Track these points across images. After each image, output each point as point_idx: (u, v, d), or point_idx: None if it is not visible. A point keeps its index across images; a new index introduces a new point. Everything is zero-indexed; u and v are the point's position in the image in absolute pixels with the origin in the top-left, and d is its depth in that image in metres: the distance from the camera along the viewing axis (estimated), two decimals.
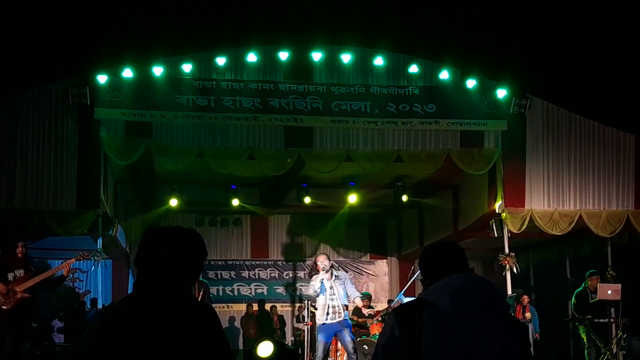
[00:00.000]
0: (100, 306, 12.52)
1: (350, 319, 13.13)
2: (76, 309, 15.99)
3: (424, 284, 3.19)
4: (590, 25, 15.77)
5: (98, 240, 12.17)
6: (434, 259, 3.21)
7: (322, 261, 10.45)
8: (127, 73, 11.97)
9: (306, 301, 10.53)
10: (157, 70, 12.06)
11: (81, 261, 10.28)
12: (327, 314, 10.26)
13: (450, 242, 3.31)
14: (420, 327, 2.85)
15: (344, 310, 10.40)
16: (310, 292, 10.72)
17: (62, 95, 11.86)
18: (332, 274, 10.43)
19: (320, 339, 10.29)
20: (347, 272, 11.22)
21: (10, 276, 9.32)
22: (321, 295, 10.36)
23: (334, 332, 10.42)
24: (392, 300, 17.64)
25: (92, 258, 10.36)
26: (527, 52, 15.13)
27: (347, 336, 10.36)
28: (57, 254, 15.58)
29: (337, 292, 10.31)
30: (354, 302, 10.88)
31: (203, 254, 3.02)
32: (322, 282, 10.34)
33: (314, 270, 10.78)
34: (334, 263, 11.09)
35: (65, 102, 11.83)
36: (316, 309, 10.42)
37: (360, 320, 14.66)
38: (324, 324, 10.31)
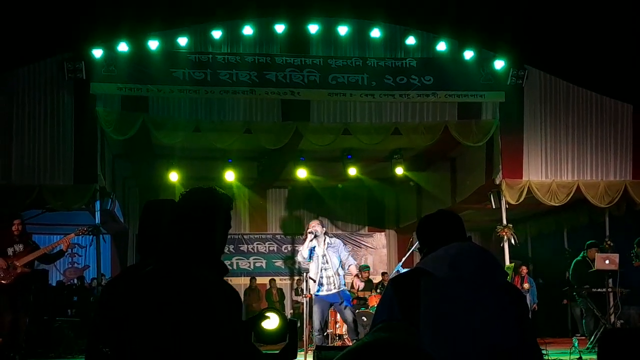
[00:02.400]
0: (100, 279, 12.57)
1: (349, 291, 13.06)
2: (76, 284, 16.06)
3: (421, 253, 3.19)
4: None
5: (96, 215, 12.18)
6: (432, 228, 3.20)
7: (314, 226, 9.97)
8: (123, 47, 11.90)
9: (305, 274, 10.13)
10: (153, 44, 11.98)
11: (80, 236, 10.27)
12: (321, 284, 9.82)
13: (448, 211, 3.31)
14: (418, 296, 2.85)
15: (339, 278, 9.90)
16: (299, 258, 10.30)
17: (58, 70, 11.82)
18: (325, 241, 9.96)
19: (316, 310, 9.89)
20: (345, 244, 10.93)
21: (9, 251, 9.32)
22: (313, 264, 9.94)
23: (329, 305, 10.06)
24: (386, 273, 17.77)
25: (90, 233, 10.34)
26: (524, 22, 15.03)
27: (347, 309, 9.99)
28: (55, 229, 15.62)
29: (331, 260, 9.82)
30: (348, 269, 10.18)
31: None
32: (311, 250, 9.88)
33: (306, 236, 10.20)
34: (327, 231, 10.64)
35: (61, 76, 11.78)
36: (314, 280, 10.05)
37: (360, 293, 14.70)
38: (317, 295, 9.87)
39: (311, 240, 9.91)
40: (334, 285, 9.86)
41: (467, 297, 2.84)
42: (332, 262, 9.85)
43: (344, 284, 10.17)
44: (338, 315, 11.28)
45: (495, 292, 2.92)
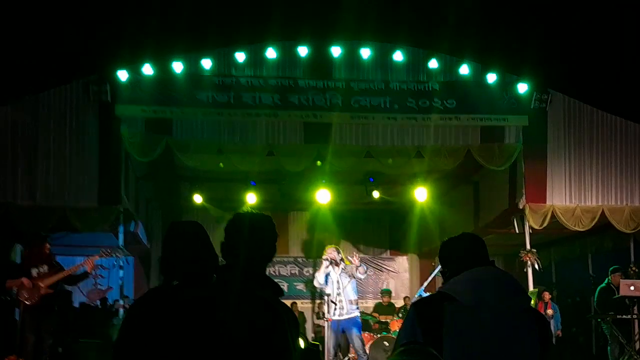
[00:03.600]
0: (121, 303, 12.59)
1: (371, 315, 13.09)
2: (98, 306, 16.10)
3: (444, 276, 3.16)
4: (611, 19, 15.61)
5: (119, 237, 12.24)
6: (455, 250, 3.18)
7: (330, 252, 10.44)
8: (147, 69, 12.01)
9: (326, 297, 10.45)
10: (177, 67, 12.09)
11: (103, 258, 10.33)
12: (335, 309, 10.22)
13: (471, 234, 3.28)
14: (441, 321, 2.82)
15: (351, 305, 10.30)
16: (315, 283, 10.77)
17: (83, 92, 11.94)
18: (340, 267, 10.35)
19: (330, 335, 10.25)
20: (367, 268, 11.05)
21: (34, 272, 9.39)
22: (328, 289, 10.33)
23: (342, 329, 10.35)
24: (408, 297, 17.64)
25: (113, 255, 10.39)
26: (548, 46, 15.00)
27: (355, 336, 10.31)
28: (78, 250, 15.70)
29: (343, 286, 10.26)
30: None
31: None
32: (327, 275, 10.28)
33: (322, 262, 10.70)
34: (344, 257, 10.96)
35: (86, 99, 11.90)
36: (335, 303, 10.35)
37: (382, 317, 14.63)
38: (333, 319, 10.27)
39: (327, 267, 10.32)
40: (346, 310, 10.27)
41: (490, 322, 2.81)
42: (345, 289, 10.29)
43: (357, 309, 10.43)
44: None
45: (519, 317, 2.88)
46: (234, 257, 2.95)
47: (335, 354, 10.34)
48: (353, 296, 10.39)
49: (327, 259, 10.32)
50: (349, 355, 12.04)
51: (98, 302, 16.51)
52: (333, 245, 11.51)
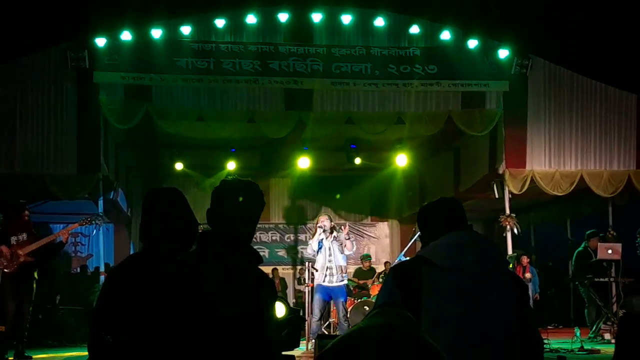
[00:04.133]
0: (102, 270, 12.60)
1: (351, 280, 13.26)
2: (78, 273, 16.12)
3: (422, 241, 3.19)
4: None
5: (99, 204, 12.20)
6: (433, 216, 3.20)
7: (323, 221, 10.61)
8: (126, 36, 11.87)
9: (307, 263, 10.67)
10: (156, 33, 11.96)
11: (83, 226, 10.30)
12: (325, 275, 10.45)
13: (449, 198, 3.29)
14: (419, 286, 2.85)
15: (341, 272, 10.54)
16: (309, 250, 10.92)
17: (61, 59, 11.78)
18: (332, 235, 10.54)
19: (317, 298, 10.48)
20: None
21: (13, 240, 9.36)
22: (320, 256, 10.53)
23: (329, 295, 10.60)
24: (389, 262, 17.80)
25: (93, 222, 10.36)
26: (528, 11, 14.97)
27: (340, 303, 10.55)
28: (58, 218, 15.66)
29: (334, 253, 10.49)
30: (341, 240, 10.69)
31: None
32: (320, 242, 10.48)
33: (315, 229, 10.94)
34: (335, 225, 11.12)
35: (64, 66, 11.75)
36: (317, 270, 10.54)
37: (361, 281, 14.78)
38: (320, 284, 10.50)
39: (320, 235, 10.49)
40: (336, 277, 10.50)
41: (468, 285, 2.84)
42: (336, 256, 10.51)
43: (346, 277, 10.64)
44: None
45: (496, 280, 2.92)
46: (217, 225, 2.95)
47: (320, 318, 10.54)
48: (343, 263, 10.59)
49: (320, 227, 10.51)
50: (330, 320, 12.18)
51: (78, 269, 16.53)
52: (325, 214, 11.94)
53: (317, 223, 10.90)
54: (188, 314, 2.70)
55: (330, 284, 10.46)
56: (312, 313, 10.41)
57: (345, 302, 10.88)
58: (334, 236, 10.57)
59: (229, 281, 2.72)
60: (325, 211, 18.49)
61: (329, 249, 10.49)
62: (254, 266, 2.86)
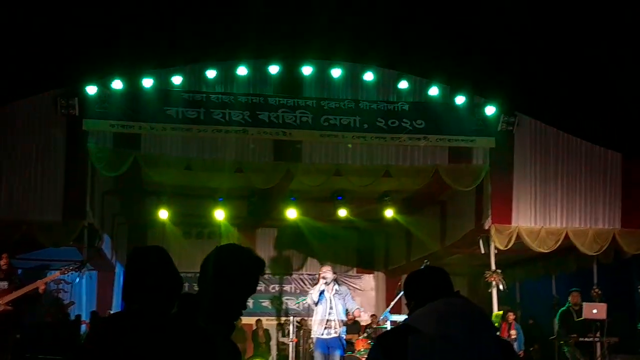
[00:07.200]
0: (84, 319, 12.43)
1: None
2: (60, 320, 15.85)
3: (409, 307, 3.18)
4: (578, 45, 15.88)
5: (84, 251, 12.10)
6: (419, 283, 3.19)
7: (325, 272, 10.47)
8: (117, 84, 11.94)
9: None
10: (147, 82, 12.04)
11: (65, 275, 10.18)
12: (325, 327, 10.28)
13: (435, 267, 3.30)
14: (405, 354, 2.83)
15: (340, 326, 10.39)
16: (309, 301, 10.78)
17: (51, 106, 11.84)
18: (333, 287, 10.44)
19: (317, 354, 10.34)
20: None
21: None
22: (320, 307, 10.37)
23: (329, 347, 10.40)
24: (375, 315, 17.66)
25: (76, 270, 10.25)
26: (516, 70, 15.21)
27: (338, 356, 10.37)
28: (43, 264, 15.47)
29: (336, 306, 10.31)
30: (353, 314, 10.84)
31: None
32: (321, 293, 10.32)
33: (317, 281, 10.80)
34: (338, 278, 11.06)
35: (54, 112, 11.79)
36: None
37: (347, 336, 14.59)
38: (319, 338, 10.34)
39: (321, 285, 10.37)
40: (335, 330, 10.32)
41: (454, 355, 2.82)
42: (337, 309, 10.35)
43: (345, 332, 10.52)
44: None
45: (483, 349, 2.90)
46: (200, 288, 2.94)
47: None
48: (343, 318, 10.51)
49: (324, 277, 10.37)
50: None
51: (60, 317, 16.26)
52: (328, 264, 11.82)
53: (320, 273, 10.71)
54: None
55: (329, 336, 10.30)
56: None
57: (343, 354, 10.69)
58: (336, 289, 10.44)
59: (199, 349, 2.70)
60: (311, 263, 18.42)
61: (330, 300, 10.32)
62: (226, 334, 2.85)
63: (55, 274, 9.84)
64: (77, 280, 12.90)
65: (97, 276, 16.90)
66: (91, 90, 11.83)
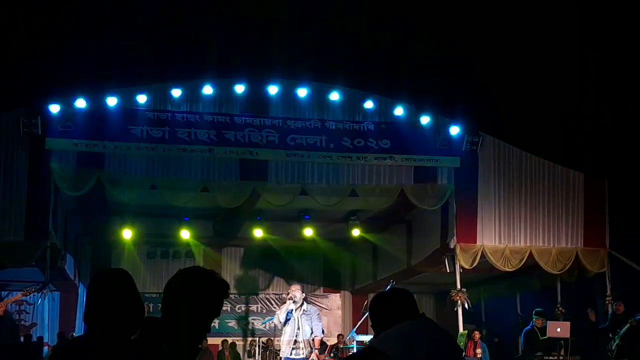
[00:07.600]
0: (47, 341, 12.21)
1: None
2: (21, 343, 15.55)
3: (374, 329, 3.18)
4: (542, 66, 16.15)
5: (46, 272, 11.90)
6: (384, 306, 3.20)
7: (294, 291, 10.43)
8: (80, 103, 11.83)
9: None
10: (111, 101, 11.94)
11: (26, 296, 10.00)
12: (293, 348, 10.24)
13: (400, 289, 3.31)
14: None
15: (307, 347, 10.33)
16: (275, 321, 10.71)
17: (13, 125, 11.66)
18: (301, 307, 10.38)
19: None
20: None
21: None
22: (288, 327, 10.31)
23: None
24: (342, 334, 17.62)
25: (38, 291, 10.08)
26: (479, 90, 15.40)
27: None
28: (3, 284, 15.19)
29: (302, 327, 10.26)
30: (313, 339, 10.48)
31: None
32: (288, 313, 10.26)
33: (285, 300, 10.78)
34: (307, 297, 10.99)
35: (16, 131, 11.62)
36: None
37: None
38: (288, 358, 10.29)
39: (289, 305, 10.32)
40: (302, 350, 10.28)
41: None
42: (304, 329, 10.28)
43: (313, 351, 10.42)
44: None
45: None
46: (163, 312, 2.91)
47: None
48: (310, 338, 10.41)
49: (291, 298, 10.30)
50: None
51: (22, 338, 15.97)
52: (297, 283, 11.83)
53: (289, 293, 10.64)
54: None
55: (297, 357, 10.27)
56: None
57: None
58: (304, 309, 10.36)
59: None
60: (277, 282, 18.34)
61: (297, 320, 10.26)
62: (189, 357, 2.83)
63: (17, 295, 9.68)
64: (40, 301, 12.65)
65: (60, 297, 16.63)
66: (54, 109, 11.70)
